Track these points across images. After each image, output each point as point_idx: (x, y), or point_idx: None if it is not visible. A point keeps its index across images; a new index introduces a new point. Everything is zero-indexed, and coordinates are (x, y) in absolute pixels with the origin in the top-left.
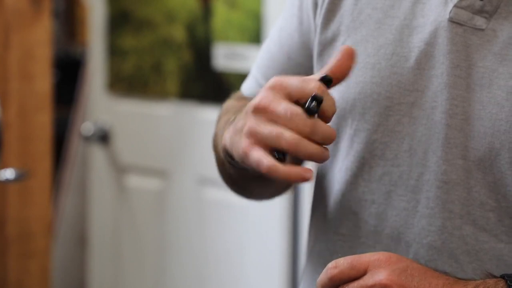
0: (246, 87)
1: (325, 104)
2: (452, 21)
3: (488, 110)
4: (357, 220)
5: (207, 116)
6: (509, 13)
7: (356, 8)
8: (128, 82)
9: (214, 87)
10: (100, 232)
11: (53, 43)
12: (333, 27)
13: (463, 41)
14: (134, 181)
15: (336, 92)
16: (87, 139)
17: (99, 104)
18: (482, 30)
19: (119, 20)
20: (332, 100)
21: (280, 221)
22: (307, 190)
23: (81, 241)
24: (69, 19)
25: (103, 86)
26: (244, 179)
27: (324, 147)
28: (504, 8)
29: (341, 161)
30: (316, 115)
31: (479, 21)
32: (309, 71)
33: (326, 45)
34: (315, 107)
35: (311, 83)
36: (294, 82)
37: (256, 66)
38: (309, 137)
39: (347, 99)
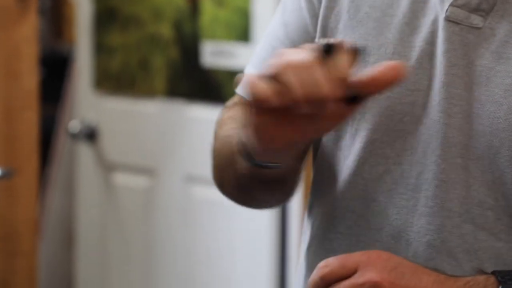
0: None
1: (338, 57)
2: (448, 20)
3: (486, 108)
4: (356, 218)
5: (194, 113)
6: (505, 11)
7: (353, 5)
8: (115, 80)
9: (201, 84)
10: (87, 231)
11: (40, 41)
12: (331, 24)
13: (460, 40)
14: (122, 179)
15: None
16: (74, 137)
17: (86, 101)
18: (479, 28)
19: (106, 17)
20: (347, 63)
21: (268, 220)
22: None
23: (68, 240)
24: (55, 16)
25: (90, 84)
26: (253, 181)
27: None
28: (501, 6)
29: (341, 159)
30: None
31: (476, 20)
32: None
33: None
34: (325, 48)
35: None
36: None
37: (253, 66)
38: (299, 71)
39: None
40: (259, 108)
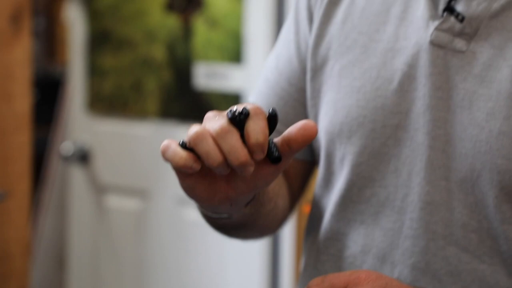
0: None
1: (251, 123)
2: (433, 43)
3: (469, 131)
4: (346, 240)
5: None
6: (488, 35)
7: (343, 32)
8: (108, 102)
9: (194, 106)
10: (79, 253)
11: (33, 63)
12: (322, 52)
13: (444, 64)
14: (114, 201)
15: (325, 116)
16: (66, 159)
17: (78, 123)
18: (463, 52)
19: (99, 40)
20: (260, 128)
21: (260, 241)
22: None
23: (60, 262)
24: (49, 38)
25: (82, 106)
26: (217, 226)
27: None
28: (484, 30)
29: (333, 183)
30: (241, 132)
31: (460, 44)
32: (302, 94)
33: (317, 71)
34: (237, 115)
35: (255, 105)
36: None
37: (254, 96)
38: (216, 139)
39: (335, 123)
40: (182, 173)
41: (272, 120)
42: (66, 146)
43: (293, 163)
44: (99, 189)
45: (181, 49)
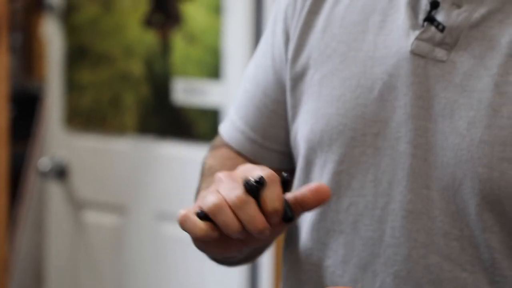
0: (224, 130)
1: (267, 192)
2: (413, 53)
3: (450, 140)
4: (326, 250)
5: (165, 151)
6: (468, 45)
7: (323, 42)
8: (86, 117)
9: (172, 122)
10: (57, 269)
11: (10, 78)
12: (302, 61)
13: (425, 73)
14: (92, 217)
15: (305, 125)
16: (44, 174)
17: (56, 139)
18: (443, 61)
19: (77, 55)
20: (276, 195)
21: None
22: None
23: (37, 278)
24: (26, 53)
25: (60, 121)
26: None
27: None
28: (464, 40)
29: None
30: (257, 200)
31: (440, 53)
32: (285, 107)
33: (297, 80)
34: (254, 185)
35: (258, 169)
36: (239, 174)
37: (234, 107)
38: (234, 210)
39: (315, 131)
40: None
41: (285, 185)
42: (43, 161)
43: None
44: (77, 205)
45: (159, 65)
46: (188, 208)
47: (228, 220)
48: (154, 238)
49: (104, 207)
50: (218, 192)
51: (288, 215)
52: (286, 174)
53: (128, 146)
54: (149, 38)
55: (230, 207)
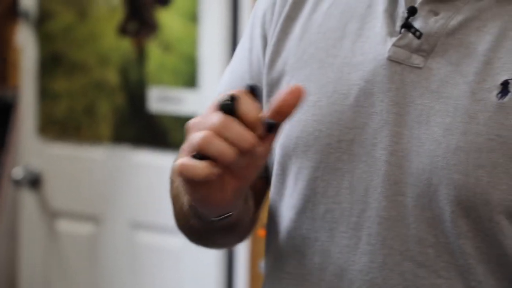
0: None
1: (241, 104)
2: (390, 59)
3: (426, 146)
4: (302, 258)
5: (140, 159)
6: (445, 52)
7: (300, 48)
8: (60, 126)
9: (148, 130)
10: (31, 279)
11: None
12: (278, 67)
13: (401, 79)
14: (66, 226)
15: (281, 131)
16: (17, 183)
17: (30, 148)
18: (420, 68)
19: (51, 63)
20: (251, 105)
21: (215, 265)
22: None
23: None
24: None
25: (34, 130)
26: (208, 231)
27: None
28: (441, 47)
29: (287, 198)
30: (234, 117)
31: (417, 60)
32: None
33: (273, 86)
34: (228, 103)
35: (228, 92)
36: (214, 103)
37: None
38: (222, 134)
39: (290, 137)
40: (196, 185)
41: (254, 92)
42: (17, 170)
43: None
44: (51, 214)
45: (134, 73)
46: (180, 158)
47: (221, 147)
48: (129, 247)
49: (79, 216)
50: (199, 128)
51: (270, 122)
52: (247, 84)
53: (103, 155)
54: (124, 46)
55: (217, 134)
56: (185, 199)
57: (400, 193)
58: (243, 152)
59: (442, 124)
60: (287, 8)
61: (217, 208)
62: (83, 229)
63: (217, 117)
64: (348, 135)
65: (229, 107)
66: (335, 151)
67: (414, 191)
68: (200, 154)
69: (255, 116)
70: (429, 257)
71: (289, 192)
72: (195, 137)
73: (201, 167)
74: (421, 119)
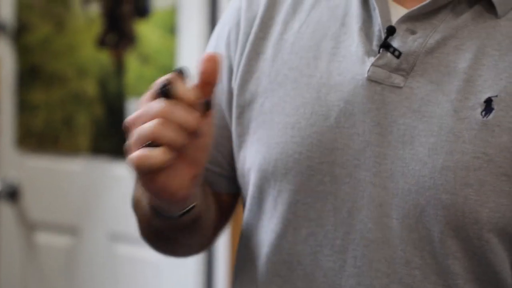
0: None
1: (178, 87)
2: (370, 79)
3: (411, 167)
4: (283, 283)
5: (118, 171)
6: (425, 71)
7: (273, 69)
8: (38, 138)
9: (126, 142)
10: None
11: None
12: (250, 88)
13: (382, 99)
14: (44, 239)
15: (256, 154)
16: None
17: (8, 160)
18: (400, 88)
19: (29, 75)
20: (185, 87)
21: (194, 277)
22: (221, 246)
23: None
24: None
25: (12, 142)
26: (172, 231)
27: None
28: (420, 66)
29: (265, 222)
30: (173, 100)
31: (397, 79)
32: (223, 131)
33: (245, 107)
34: (164, 88)
35: (159, 79)
36: (147, 93)
37: None
38: (169, 119)
39: (269, 160)
40: (153, 175)
41: (183, 75)
42: None
43: (223, 196)
44: (29, 226)
45: (113, 85)
46: (131, 152)
47: (171, 133)
48: (108, 258)
49: (57, 228)
50: (144, 120)
51: (204, 102)
52: (176, 68)
53: (81, 167)
54: (102, 58)
55: (164, 121)
56: (145, 200)
57: (386, 214)
58: (191, 133)
59: (427, 144)
60: (255, 28)
61: (177, 199)
62: (61, 241)
63: (160, 104)
64: (329, 157)
65: (167, 92)
66: (316, 173)
67: (400, 212)
68: (151, 144)
69: (193, 96)
70: (416, 279)
71: (268, 216)
72: (145, 128)
73: (156, 154)
74: (405, 139)
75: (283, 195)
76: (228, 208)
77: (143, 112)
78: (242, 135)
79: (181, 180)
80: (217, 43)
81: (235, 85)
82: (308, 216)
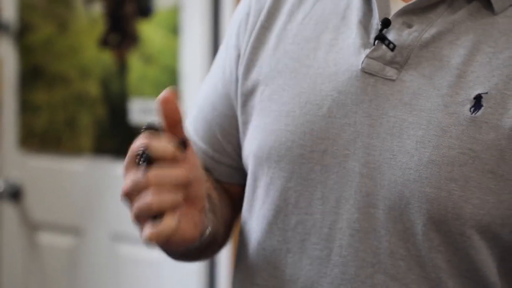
0: None
1: (156, 149)
2: (364, 71)
3: (399, 159)
4: (272, 269)
5: (121, 172)
6: (418, 64)
7: (274, 58)
8: (41, 138)
9: (129, 142)
10: None
11: None
12: (253, 77)
13: (375, 91)
14: (47, 239)
15: (253, 141)
16: None
17: (10, 160)
18: (393, 80)
19: (32, 75)
20: (161, 144)
21: (196, 276)
22: None
23: None
24: None
25: (15, 142)
26: (191, 254)
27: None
28: (414, 60)
29: (258, 209)
30: (156, 163)
31: (390, 72)
32: (232, 120)
33: (248, 96)
34: (145, 154)
35: (135, 144)
36: (126, 159)
37: (189, 118)
38: (161, 186)
39: (263, 147)
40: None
41: (153, 130)
42: None
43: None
44: (31, 227)
45: (115, 85)
46: (140, 232)
47: (169, 197)
48: (110, 259)
49: (59, 228)
50: (138, 195)
51: (179, 142)
52: (148, 122)
53: (84, 167)
54: (105, 58)
55: (158, 190)
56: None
57: (372, 205)
58: (185, 184)
59: (415, 137)
60: (261, 18)
61: (195, 239)
62: (64, 241)
63: (145, 176)
64: (321, 146)
65: (148, 157)
66: (308, 161)
67: (386, 204)
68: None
69: (171, 151)
70: (401, 270)
71: (260, 203)
72: (144, 203)
73: (166, 225)
74: (394, 131)
75: (276, 182)
76: (242, 199)
77: (133, 185)
78: (245, 123)
79: (192, 221)
80: (230, 32)
81: (240, 73)
82: (298, 204)
